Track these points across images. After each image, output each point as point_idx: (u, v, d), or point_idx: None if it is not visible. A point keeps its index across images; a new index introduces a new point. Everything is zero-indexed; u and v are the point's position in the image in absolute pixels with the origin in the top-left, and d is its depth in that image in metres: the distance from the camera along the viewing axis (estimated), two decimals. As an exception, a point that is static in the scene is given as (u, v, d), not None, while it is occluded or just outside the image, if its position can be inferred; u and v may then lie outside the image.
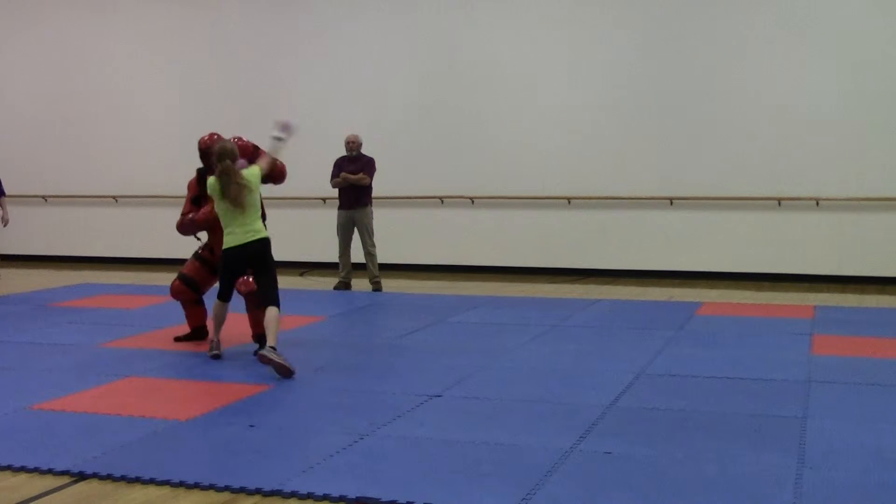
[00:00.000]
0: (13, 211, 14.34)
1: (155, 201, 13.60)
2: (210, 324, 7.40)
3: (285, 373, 6.50)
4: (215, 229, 7.34)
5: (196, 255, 7.77)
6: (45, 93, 14.14)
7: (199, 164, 7.66)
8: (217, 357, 7.14)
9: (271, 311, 6.80)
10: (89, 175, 13.91)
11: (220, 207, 6.88)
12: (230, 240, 6.90)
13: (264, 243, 6.97)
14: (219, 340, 7.21)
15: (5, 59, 14.36)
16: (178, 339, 7.86)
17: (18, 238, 14.39)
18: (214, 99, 13.31)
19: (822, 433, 5.12)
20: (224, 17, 13.29)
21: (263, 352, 6.60)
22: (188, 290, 7.73)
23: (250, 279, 7.16)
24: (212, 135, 7.59)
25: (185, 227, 7.65)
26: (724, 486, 4.34)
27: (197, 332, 7.86)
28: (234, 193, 6.76)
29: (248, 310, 7.44)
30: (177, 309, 9.46)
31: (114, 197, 13.83)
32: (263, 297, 6.94)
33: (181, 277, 7.74)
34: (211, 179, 6.91)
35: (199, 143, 7.59)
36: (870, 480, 4.40)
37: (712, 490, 4.29)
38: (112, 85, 13.80)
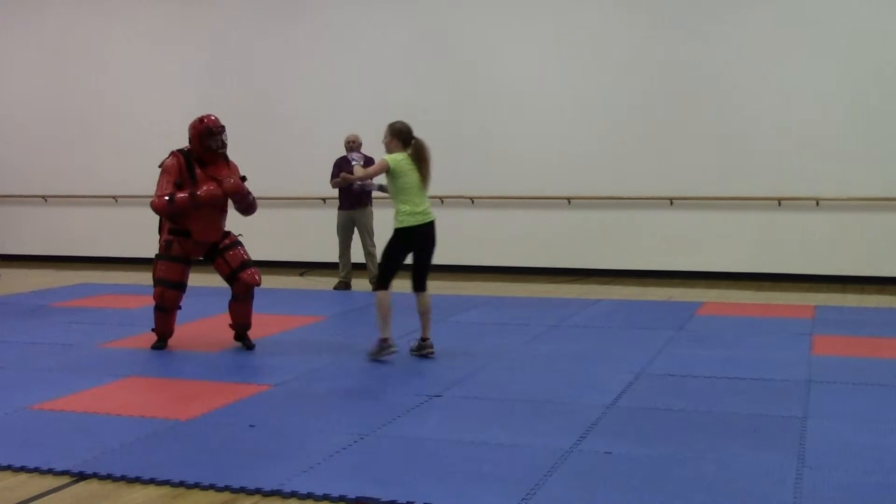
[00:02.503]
0: (13, 211, 14.40)
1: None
2: (382, 316, 7.04)
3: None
4: (193, 215, 7.26)
5: (164, 255, 7.44)
6: (45, 93, 14.13)
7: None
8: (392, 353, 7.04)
9: (428, 298, 7.15)
10: (89, 175, 13.91)
11: (404, 184, 6.92)
12: (414, 219, 6.97)
13: (435, 225, 7.14)
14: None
15: (5, 59, 14.35)
16: (159, 347, 7.55)
17: (18, 238, 14.40)
18: (214, 99, 13.27)
19: (822, 433, 5.12)
20: (224, 17, 13.29)
21: (427, 350, 7.04)
22: (181, 294, 7.50)
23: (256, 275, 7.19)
24: (209, 115, 7.40)
25: (182, 206, 7.17)
26: (724, 486, 4.34)
27: (166, 339, 7.58)
28: (428, 170, 7.01)
29: (237, 302, 7.44)
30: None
31: (114, 197, 13.82)
32: (422, 283, 7.16)
33: (170, 285, 7.39)
34: (398, 156, 6.95)
35: (208, 122, 7.28)
36: (870, 480, 4.40)
37: (712, 490, 4.29)
38: (112, 85, 13.80)
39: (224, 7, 13.27)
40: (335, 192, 10.97)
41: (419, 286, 7.23)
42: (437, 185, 12.25)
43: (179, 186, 7.25)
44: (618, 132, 11.73)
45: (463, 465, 4.66)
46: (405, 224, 7.03)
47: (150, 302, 9.96)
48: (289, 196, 12.19)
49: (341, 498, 4.26)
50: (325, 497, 4.27)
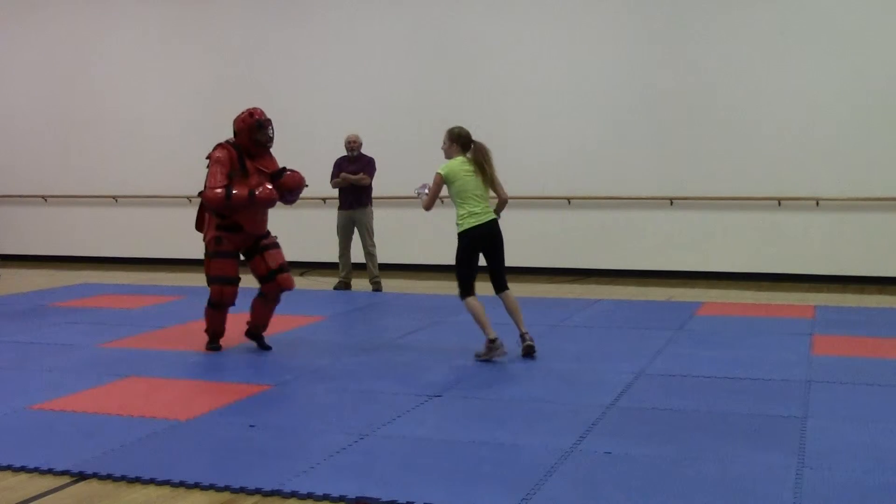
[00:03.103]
0: (13, 211, 14.40)
1: (155, 201, 13.60)
2: (479, 318, 7.00)
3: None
4: (248, 211, 7.19)
5: (217, 252, 7.24)
6: (45, 93, 14.13)
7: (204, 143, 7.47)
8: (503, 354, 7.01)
9: (511, 296, 7.13)
10: (89, 175, 13.91)
11: (460, 188, 7.00)
12: (474, 219, 7.03)
13: (498, 223, 7.14)
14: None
15: (5, 59, 14.36)
16: (212, 347, 7.46)
17: (18, 238, 14.40)
18: (214, 99, 13.30)
19: (822, 433, 5.11)
20: (224, 17, 13.29)
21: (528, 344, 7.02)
22: (237, 289, 7.32)
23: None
24: (256, 108, 7.34)
25: (238, 203, 7.02)
26: (724, 486, 4.34)
27: (219, 338, 7.51)
28: (488, 173, 7.08)
29: (265, 302, 7.41)
30: (176, 309, 9.49)
31: (114, 197, 13.83)
32: (501, 282, 7.13)
33: (228, 281, 7.23)
34: (452, 163, 7.04)
35: (258, 115, 7.22)
36: (870, 480, 4.40)
37: (712, 490, 4.29)
38: (112, 85, 13.80)
39: (224, 7, 13.27)
40: (335, 192, 10.97)
41: (499, 286, 7.21)
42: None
43: (231, 178, 7.14)
44: (618, 132, 11.73)
45: (463, 465, 4.66)
46: (466, 226, 7.08)
47: (150, 302, 10.02)
48: (289, 196, 12.19)
49: (341, 498, 4.26)
50: (325, 497, 4.27)
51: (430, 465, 4.68)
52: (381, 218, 11.20)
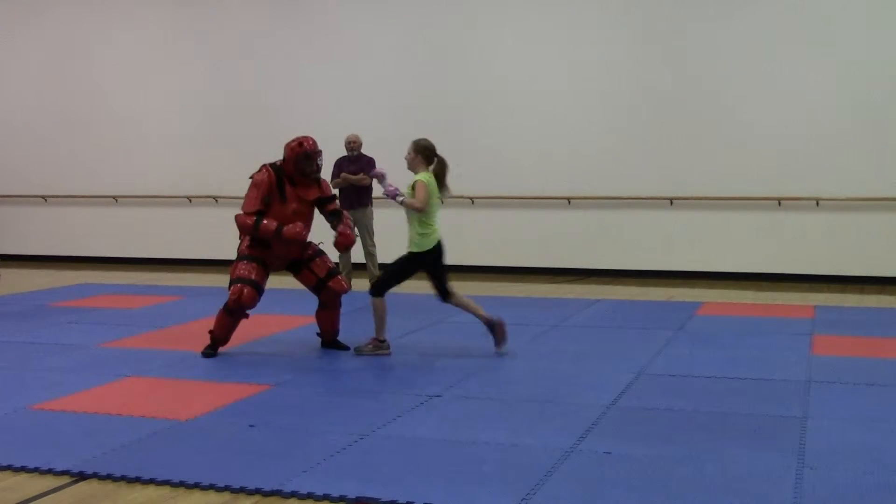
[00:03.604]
0: (13, 211, 14.40)
1: (155, 201, 13.60)
2: (381, 319, 7.20)
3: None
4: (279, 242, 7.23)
5: (249, 256, 7.22)
6: (45, 93, 14.14)
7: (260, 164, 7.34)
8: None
9: (459, 295, 7.30)
10: (89, 175, 13.92)
11: (432, 205, 7.12)
12: (433, 239, 7.17)
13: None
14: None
15: (5, 59, 14.36)
16: (207, 354, 7.33)
17: (18, 238, 14.40)
18: (214, 99, 13.31)
19: (822, 433, 5.12)
20: (223, 17, 13.29)
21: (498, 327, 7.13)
22: (258, 296, 7.23)
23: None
24: (308, 138, 7.28)
25: (264, 234, 7.09)
26: (724, 486, 4.34)
27: (219, 346, 7.40)
28: (445, 189, 7.20)
29: (325, 310, 7.48)
30: (176, 309, 9.49)
31: (114, 197, 13.83)
32: (446, 291, 7.24)
33: (250, 283, 7.14)
34: (429, 176, 7.09)
35: (307, 145, 7.20)
36: (870, 480, 4.40)
37: (712, 490, 4.29)
38: (112, 85, 13.80)
39: (224, 7, 13.27)
40: (335, 193, 10.96)
41: (446, 296, 7.30)
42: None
43: (267, 203, 7.17)
44: (618, 132, 11.73)
45: (463, 465, 4.66)
46: (427, 246, 7.15)
47: (150, 302, 10.02)
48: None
49: (341, 498, 4.26)
50: (325, 497, 4.27)
51: (430, 465, 4.68)
52: (382, 218, 11.19)
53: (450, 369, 6.72)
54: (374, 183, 7.50)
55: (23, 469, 4.70)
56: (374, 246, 10.81)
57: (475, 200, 12.33)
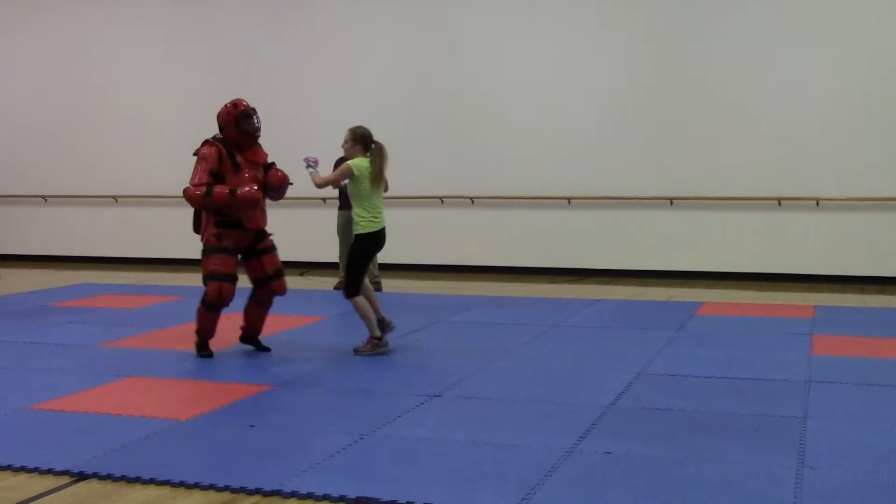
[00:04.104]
0: (13, 211, 14.40)
1: (155, 201, 13.59)
2: (368, 317, 7.21)
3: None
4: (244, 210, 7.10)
5: (218, 248, 7.09)
6: (44, 92, 14.13)
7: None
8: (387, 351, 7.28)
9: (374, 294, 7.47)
10: (89, 175, 13.91)
11: (365, 188, 7.06)
12: (377, 223, 7.19)
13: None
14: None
15: (5, 59, 14.36)
16: (203, 354, 7.26)
17: (18, 238, 14.40)
18: (214, 99, 13.24)
19: (822, 433, 5.12)
20: (224, 17, 13.29)
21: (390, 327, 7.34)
22: (234, 289, 7.14)
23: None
24: (240, 99, 7.21)
25: (219, 201, 6.92)
26: (724, 486, 4.34)
27: (208, 338, 7.33)
28: (384, 175, 7.20)
29: (258, 306, 7.41)
30: (176, 309, 9.48)
31: (114, 197, 13.83)
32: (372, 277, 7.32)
33: (228, 278, 7.05)
34: (362, 162, 7.07)
35: (242, 106, 7.08)
36: (870, 480, 4.40)
37: (712, 490, 4.29)
38: (112, 85, 13.80)
39: (224, 7, 13.27)
40: (335, 193, 10.97)
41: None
42: (436, 185, 12.42)
43: (215, 175, 7.03)
44: (618, 132, 11.73)
45: (463, 465, 4.66)
46: (371, 229, 7.19)
47: (150, 302, 10.01)
48: (289, 196, 12.14)
49: (341, 498, 4.26)
50: (325, 497, 4.27)
51: (430, 465, 4.68)
52: (381, 218, 11.19)
53: (450, 369, 6.72)
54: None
55: (23, 469, 4.70)
56: (374, 246, 10.79)
57: (475, 200, 12.33)
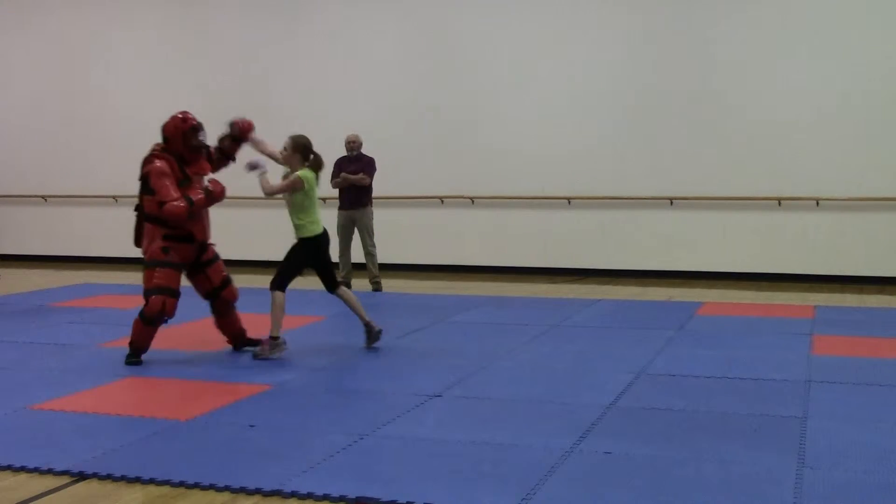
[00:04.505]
0: (13, 211, 14.40)
1: (155, 201, 13.58)
2: (277, 315, 7.18)
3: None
4: (196, 218, 7.05)
5: (164, 262, 6.94)
6: (44, 92, 14.14)
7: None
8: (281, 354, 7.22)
9: (346, 290, 7.59)
10: (89, 175, 13.91)
11: (312, 198, 7.21)
12: (318, 227, 7.30)
13: None
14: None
15: (5, 58, 14.36)
16: (132, 361, 7.03)
17: (18, 238, 14.40)
18: (214, 99, 13.30)
19: (822, 433, 5.11)
20: (224, 17, 13.29)
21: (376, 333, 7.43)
22: (177, 304, 7.02)
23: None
24: (187, 112, 7.24)
25: (200, 208, 6.92)
26: (724, 486, 4.34)
27: (141, 352, 7.09)
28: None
29: (224, 315, 7.37)
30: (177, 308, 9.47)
31: (114, 197, 13.82)
32: (334, 281, 7.46)
33: (172, 293, 6.95)
34: (309, 173, 7.19)
35: (191, 120, 7.08)
36: (870, 480, 4.40)
37: (712, 490, 4.29)
38: (112, 85, 13.81)
39: (224, 7, 13.27)
40: (335, 192, 10.97)
41: (333, 286, 7.49)
42: (437, 185, 12.43)
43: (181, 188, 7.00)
44: (618, 132, 11.73)
45: (463, 465, 4.65)
46: (314, 232, 7.29)
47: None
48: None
49: (341, 498, 4.26)
50: (325, 497, 4.27)
51: (430, 465, 4.68)
52: (381, 218, 11.20)
53: (450, 369, 6.72)
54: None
55: (23, 469, 4.69)
56: (373, 246, 10.80)
57: (475, 200, 12.34)
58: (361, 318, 7.47)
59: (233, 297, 7.40)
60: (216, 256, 7.35)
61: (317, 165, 7.32)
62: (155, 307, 6.91)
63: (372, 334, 7.46)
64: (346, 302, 7.50)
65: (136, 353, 7.05)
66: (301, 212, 7.23)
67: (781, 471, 4.52)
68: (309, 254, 7.33)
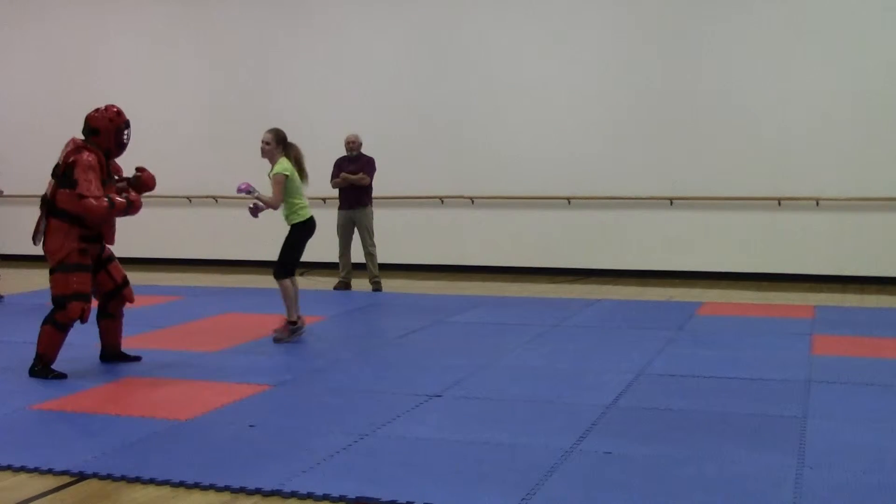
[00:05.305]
0: (13, 211, 14.40)
1: (155, 201, 13.56)
2: (290, 301, 7.67)
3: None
4: (109, 222, 6.78)
5: (79, 265, 6.56)
6: (46, 93, 14.13)
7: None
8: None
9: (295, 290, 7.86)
10: (89, 175, 13.89)
11: (297, 184, 7.67)
12: (307, 212, 7.79)
13: None
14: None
15: (5, 58, 14.36)
16: (56, 375, 6.63)
17: (18, 238, 14.35)
18: (213, 99, 13.31)
19: (822, 433, 5.12)
20: (223, 17, 13.29)
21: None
22: (91, 308, 6.66)
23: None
24: (116, 106, 6.72)
25: (118, 213, 6.58)
26: (724, 486, 4.34)
27: (51, 363, 6.70)
28: (305, 169, 7.79)
29: (114, 320, 7.05)
30: (176, 308, 9.49)
31: (114, 197, 13.81)
32: (290, 273, 7.81)
33: (88, 298, 6.59)
34: (286, 162, 7.61)
35: (122, 115, 6.63)
36: (870, 480, 4.40)
37: (712, 490, 4.29)
38: (112, 85, 13.77)
39: (224, 7, 13.27)
40: (335, 192, 10.98)
41: (285, 274, 7.86)
42: (437, 185, 12.43)
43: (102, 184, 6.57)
44: (618, 132, 11.73)
45: (463, 465, 4.66)
46: (304, 217, 7.76)
47: (149, 302, 10.00)
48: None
49: (341, 498, 4.26)
50: (325, 497, 4.27)
51: (430, 465, 4.68)
52: (381, 218, 11.20)
53: (450, 369, 6.72)
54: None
55: (23, 469, 4.69)
56: (373, 246, 10.81)
57: (475, 200, 12.34)
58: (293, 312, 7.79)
59: (131, 297, 7.08)
60: (113, 255, 7.03)
61: (296, 154, 7.75)
62: (74, 314, 6.54)
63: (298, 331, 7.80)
64: (283, 293, 7.76)
65: (46, 365, 6.63)
66: (289, 198, 7.66)
67: (781, 471, 4.52)
68: (304, 237, 7.77)
